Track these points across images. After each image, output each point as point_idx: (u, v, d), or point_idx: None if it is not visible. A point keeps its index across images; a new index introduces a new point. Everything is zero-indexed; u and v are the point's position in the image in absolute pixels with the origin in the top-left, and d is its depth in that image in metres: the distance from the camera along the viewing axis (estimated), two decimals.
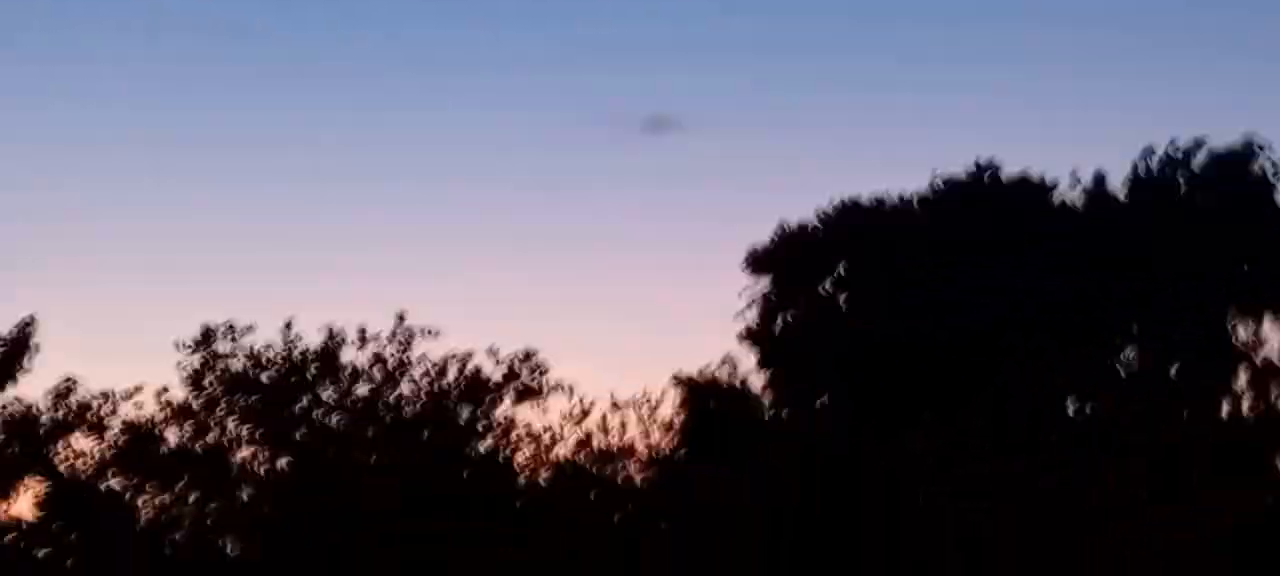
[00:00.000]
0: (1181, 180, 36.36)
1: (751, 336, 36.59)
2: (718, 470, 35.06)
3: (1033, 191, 36.70)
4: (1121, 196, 36.63)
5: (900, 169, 47.56)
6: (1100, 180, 36.65)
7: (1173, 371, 35.34)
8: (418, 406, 35.96)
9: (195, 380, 35.57)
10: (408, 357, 36.08)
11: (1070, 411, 35.46)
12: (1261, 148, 36.13)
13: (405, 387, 36.05)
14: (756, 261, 36.85)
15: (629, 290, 53.73)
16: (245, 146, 64.04)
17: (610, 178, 61.31)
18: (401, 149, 64.98)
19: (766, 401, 36.39)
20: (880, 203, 36.79)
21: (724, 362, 36.53)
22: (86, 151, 63.18)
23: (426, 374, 36.10)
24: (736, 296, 36.79)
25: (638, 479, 36.37)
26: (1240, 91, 58.97)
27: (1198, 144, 36.48)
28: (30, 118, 63.04)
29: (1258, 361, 35.39)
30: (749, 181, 58.29)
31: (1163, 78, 61.11)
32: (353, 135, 64.82)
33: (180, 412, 35.55)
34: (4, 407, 34.75)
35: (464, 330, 37.00)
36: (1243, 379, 35.38)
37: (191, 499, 35.28)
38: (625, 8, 66.90)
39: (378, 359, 36.01)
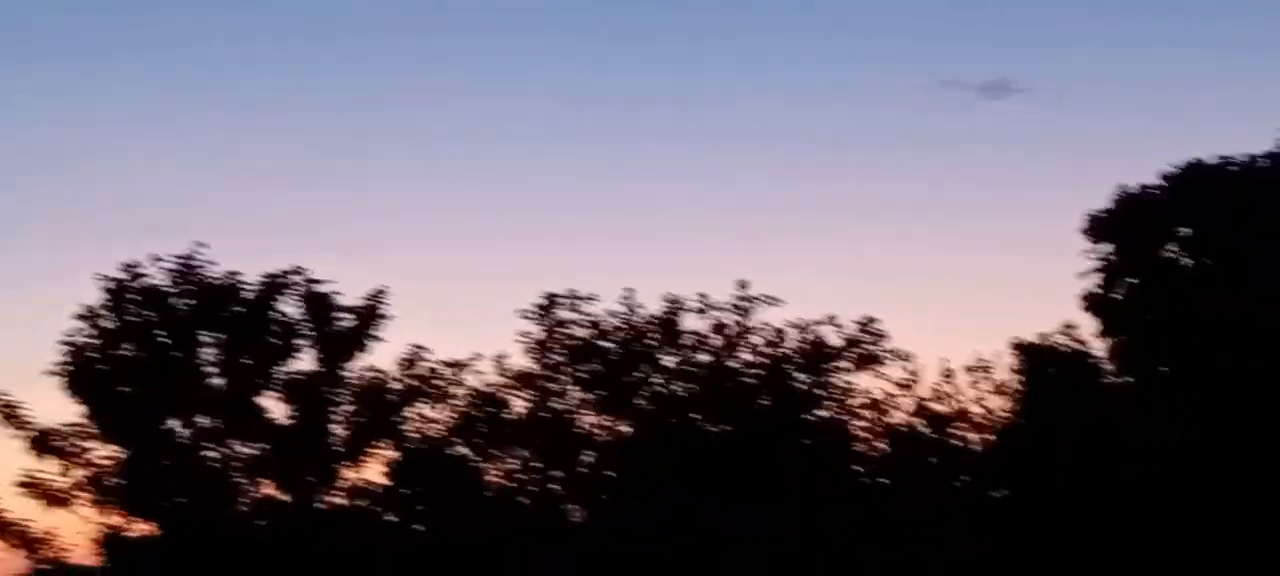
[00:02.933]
0: None
1: (1091, 304, 36.01)
2: (1057, 436, 34.82)
3: None
4: None
5: (1248, 129, 46.30)
6: None
7: None
8: (758, 373, 35.93)
9: (539, 348, 35.83)
10: (747, 325, 36.04)
11: None
12: None
13: (744, 355, 36.03)
14: (1096, 227, 36.13)
15: (965, 256, 53.35)
16: (584, 111, 64.27)
17: (948, 142, 60.65)
18: (738, 112, 64.65)
19: (1107, 369, 35.88)
20: (1227, 163, 35.85)
21: (1063, 329, 36.03)
22: (430, 119, 63.70)
23: (766, 341, 36.04)
24: (1075, 263, 36.17)
25: (976, 444, 36.18)
26: None
27: None
28: (376, 84, 63.79)
29: None
30: (1089, 146, 57.41)
31: None
32: (690, 99, 64.72)
33: (524, 380, 35.88)
34: (356, 376, 35.30)
35: (803, 297, 36.91)
36: None
37: (535, 465, 35.66)
38: None
39: (718, 326, 36.00)
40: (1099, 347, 36.03)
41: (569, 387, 35.95)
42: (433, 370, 35.73)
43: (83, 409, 34.53)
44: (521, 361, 36.08)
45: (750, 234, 55.26)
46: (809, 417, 36.01)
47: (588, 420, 35.95)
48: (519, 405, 35.99)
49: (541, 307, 35.97)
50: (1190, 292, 35.34)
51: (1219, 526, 33.05)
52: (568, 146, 64.43)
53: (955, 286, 49.71)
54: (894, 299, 43.07)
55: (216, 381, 34.77)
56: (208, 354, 34.82)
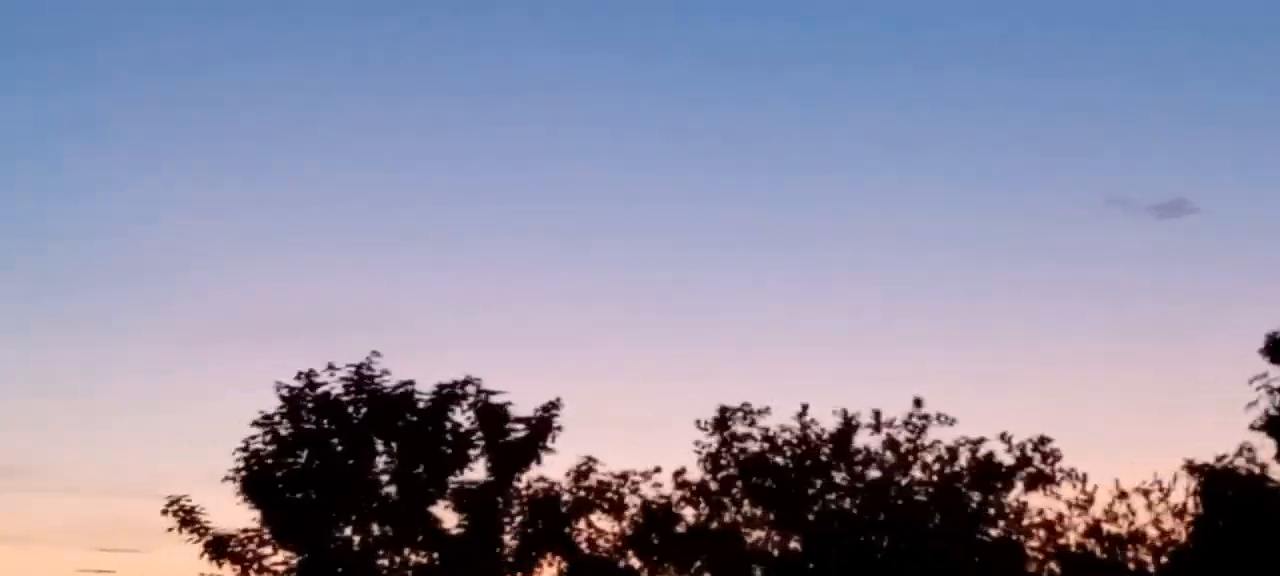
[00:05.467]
0: None
1: (1269, 426, 35.57)
2: (1235, 560, 34.37)
3: None
4: None
5: None
6: None
7: None
8: (929, 491, 35.73)
9: (712, 461, 35.80)
10: (921, 442, 35.87)
11: None
12: None
13: (917, 472, 35.87)
14: (1275, 348, 35.75)
15: (1140, 376, 53.04)
16: (753, 229, 64.62)
17: (1123, 261, 60.60)
18: (913, 229, 64.91)
19: None
20: None
21: (1241, 452, 35.60)
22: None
23: (939, 458, 35.85)
24: (1251, 383, 35.74)
25: (1151, 567, 35.76)
26: None
27: None
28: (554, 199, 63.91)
29: None
30: (1267, 264, 57.10)
31: None
32: (862, 214, 64.92)
33: (697, 492, 35.85)
34: (528, 486, 35.34)
35: (978, 415, 36.71)
36: None
37: None
38: (1136, 94, 65.47)
39: (891, 443, 35.86)
40: (1277, 471, 35.53)
41: (742, 502, 35.82)
42: (605, 481, 35.71)
43: (258, 514, 34.70)
44: (695, 473, 36.07)
45: (923, 351, 55.17)
46: (981, 537, 35.72)
47: (758, 534, 35.77)
48: (690, 517, 35.88)
49: (716, 420, 35.96)
50: None
51: None
52: (742, 260, 64.74)
53: (1130, 406, 49.41)
54: (1067, 418, 42.75)
55: (390, 490, 34.84)
56: (382, 462, 34.91)
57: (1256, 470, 35.56)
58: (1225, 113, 65.73)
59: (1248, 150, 64.23)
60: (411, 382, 35.16)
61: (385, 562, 34.76)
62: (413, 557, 34.87)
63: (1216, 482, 35.47)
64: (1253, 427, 35.67)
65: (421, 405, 35.05)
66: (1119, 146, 66.26)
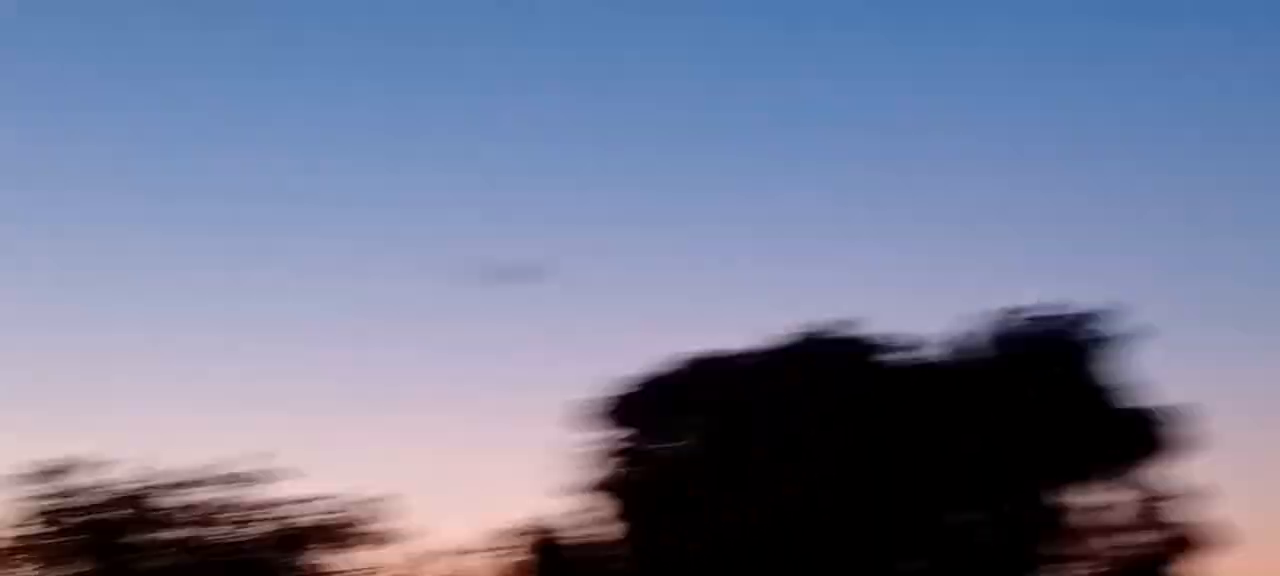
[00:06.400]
0: (1036, 342, 37.02)
1: (601, 486, 36.21)
2: None
3: (886, 349, 37.00)
4: (977, 355, 37.13)
5: (755, 322, 47.63)
6: (955, 340, 37.13)
7: (1013, 535, 36.15)
8: (242, 552, 34.86)
9: (31, 516, 34.25)
10: (241, 501, 35.02)
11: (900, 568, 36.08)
12: (1116, 312, 36.91)
13: (233, 531, 34.97)
14: (610, 410, 36.51)
15: (479, 436, 52.64)
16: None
17: (461, 319, 59.94)
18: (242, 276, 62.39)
19: (613, 553, 36.02)
20: (735, 356, 36.77)
21: (569, 513, 36.11)
22: None
23: (269, 516, 35.00)
24: (585, 447, 36.35)
25: None
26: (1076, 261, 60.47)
27: (1056, 306, 37.20)
28: None
29: (1089, 527, 36.33)
30: (610, 330, 57.57)
31: (1001, 243, 62.20)
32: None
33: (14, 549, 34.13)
34: None
35: (313, 474, 35.87)
36: (1073, 543, 36.28)
37: None
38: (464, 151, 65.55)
39: (198, 504, 34.90)
40: (605, 530, 36.09)
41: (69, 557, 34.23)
42: None
43: None
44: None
45: (254, 408, 53.38)
46: None
47: None
48: None
49: (37, 474, 34.38)
50: (695, 477, 35.90)
51: None
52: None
53: (466, 468, 49.19)
54: (404, 476, 41.81)
55: None
56: None
57: (586, 531, 36.06)
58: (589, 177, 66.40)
59: (596, 211, 64.86)
60: None
61: None
62: None
63: (544, 544, 35.90)
64: (583, 490, 36.25)
65: None
66: (469, 209, 65.74)
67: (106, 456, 35.17)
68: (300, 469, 35.58)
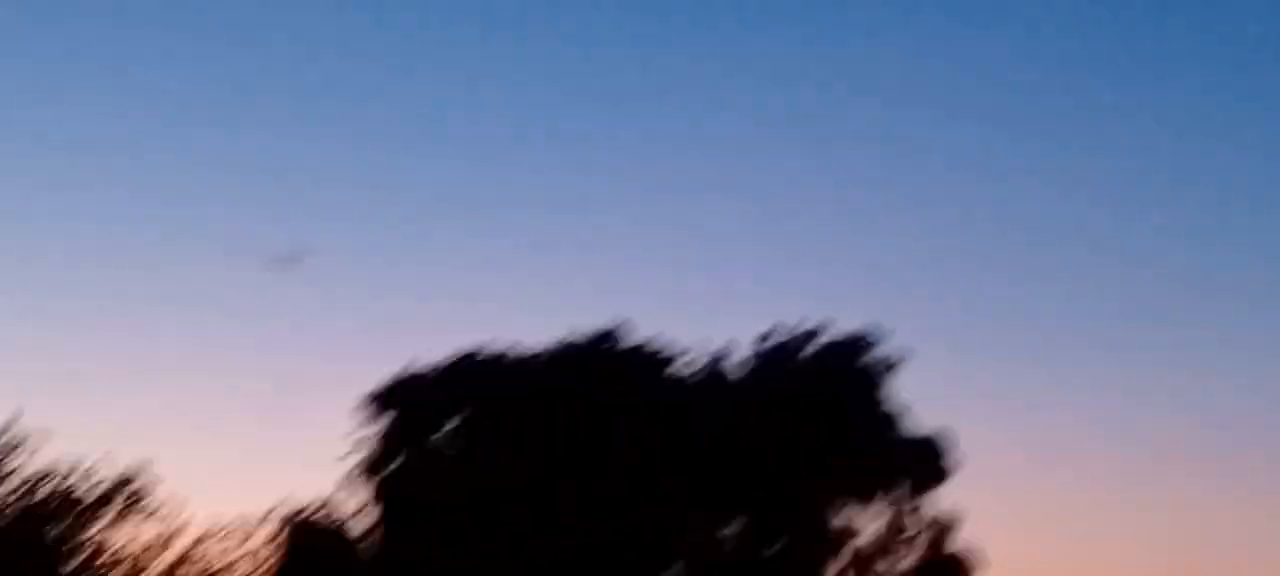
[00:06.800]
0: (799, 362, 37.21)
1: (362, 476, 36.40)
2: None
3: (654, 360, 37.20)
4: (740, 372, 37.33)
5: (537, 318, 47.94)
6: (720, 355, 37.32)
7: (772, 551, 36.23)
8: (7, 520, 34.90)
9: None
10: (7, 466, 35.04)
11: None
12: (880, 336, 37.22)
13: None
14: (375, 402, 36.74)
15: (244, 419, 52.77)
16: None
17: (237, 307, 60.04)
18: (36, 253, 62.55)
19: (369, 542, 36.19)
20: (501, 355, 36.95)
21: (327, 500, 36.30)
22: None
23: (21, 486, 35.07)
24: (349, 436, 36.60)
25: None
26: (868, 278, 61.27)
27: (821, 327, 37.44)
28: None
29: (854, 550, 36.39)
30: (381, 320, 57.93)
31: (796, 256, 62.89)
32: None
33: None
34: None
35: (70, 444, 35.97)
36: (838, 565, 36.33)
37: None
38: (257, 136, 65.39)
39: None
40: (362, 519, 36.26)
41: None
42: None
43: None
44: None
45: (23, 376, 53.25)
46: (60, 571, 35.05)
47: None
48: None
49: None
50: (456, 473, 36.06)
51: None
52: None
53: (233, 449, 49.22)
54: (171, 459, 41.81)
55: None
56: None
57: (339, 520, 36.23)
58: (341, 164, 66.81)
59: (367, 201, 65.28)
60: None
61: None
62: None
63: (298, 528, 36.01)
64: (344, 478, 36.47)
65: None
66: (239, 195, 65.75)
67: None
68: (54, 435, 35.69)
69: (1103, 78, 67.08)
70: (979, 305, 63.28)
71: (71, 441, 35.86)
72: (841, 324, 37.35)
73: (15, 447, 35.16)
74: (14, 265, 59.66)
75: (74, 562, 35.26)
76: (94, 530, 35.45)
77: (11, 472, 35.09)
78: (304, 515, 36.15)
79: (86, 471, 35.50)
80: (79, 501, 35.27)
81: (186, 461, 40.08)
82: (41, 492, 35.16)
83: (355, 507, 36.37)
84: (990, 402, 56.71)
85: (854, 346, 37.09)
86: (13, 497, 35.05)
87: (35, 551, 34.87)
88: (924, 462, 36.27)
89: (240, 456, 47.17)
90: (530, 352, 37.06)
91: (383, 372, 36.96)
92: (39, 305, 56.98)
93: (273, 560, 36.00)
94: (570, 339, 37.08)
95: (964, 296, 63.10)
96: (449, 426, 36.68)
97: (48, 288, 58.72)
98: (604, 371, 36.69)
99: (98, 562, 35.46)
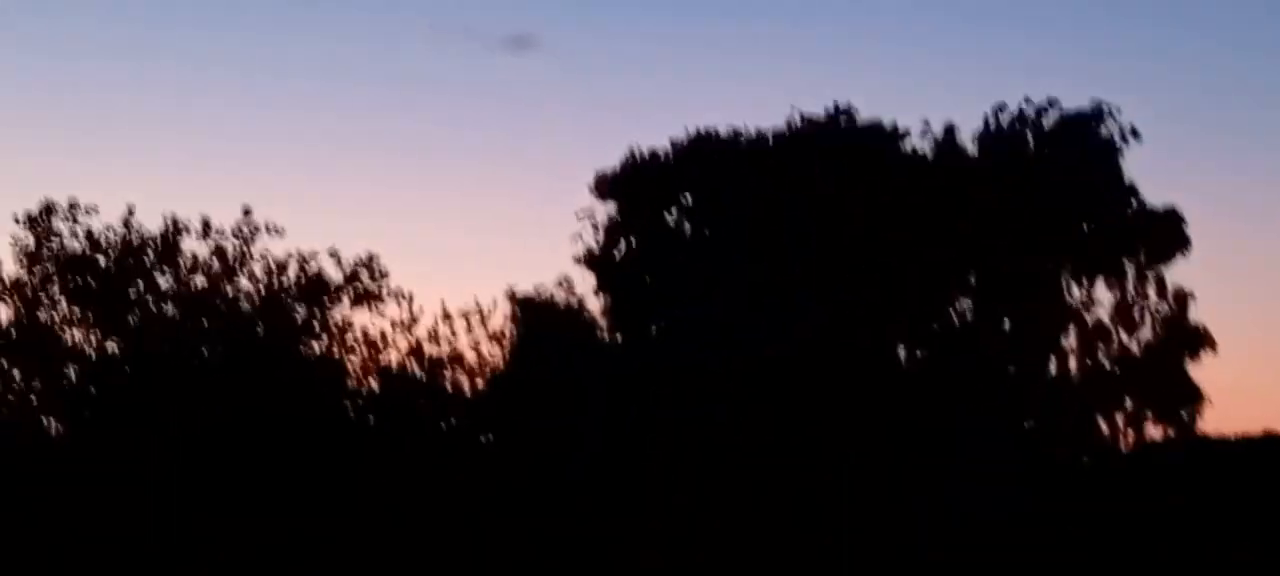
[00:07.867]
0: (1030, 138, 36.51)
1: (590, 260, 36.63)
2: (547, 388, 35.32)
3: (883, 137, 36.75)
4: (971, 150, 36.76)
5: (760, 102, 47.27)
6: (951, 132, 36.71)
7: (1006, 325, 35.83)
8: (255, 302, 35.89)
9: (30, 257, 35.35)
10: (249, 253, 36.03)
11: (901, 355, 35.98)
12: (1110, 112, 36.35)
13: (244, 282, 36.03)
14: (603, 186, 36.85)
15: (476, 204, 53.28)
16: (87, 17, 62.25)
17: (466, 90, 60.32)
18: (255, 39, 63.54)
19: (602, 325, 36.50)
20: (736, 136, 36.78)
21: (560, 283, 36.63)
22: None
23: (267, 270, 36.07)
24: (577, 219, 36.83)
25: (467, 389, 36.52)
26: (1094, 54, 59.22)
27: (1050, 103, 36.62)
28: None
29: (1088, 323, 35.84)
30: (607, 106, 57.78)
31: (1019, 34, 60.94)
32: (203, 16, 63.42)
33: (12, 288, 35.36)
34: None
35: (308, 229, 36.95)
36: (1072, 338, 35.83)
37: (16, 375, 35.14)
38: None
39: (218, 251, 35.91)
40: (593, 303, 36.60)
41: (60, 300, 35.46)
42: None
43: None
44: (10, 269, 35.60)
45: (255, 162, 54.14)
46: (304, 350, 36.02)
47: (76, 334, 35.47)
48: (4, 314, 35.43)
49: (34, 216, 35.46)
50: (685, 259, 36.10)
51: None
52: (66, 52, 62.36)
53: (460, 233, 49.56)
54: (398, 240, 42.23)
55: None
56: None
57: (574, 302, 36.56)
58: None
59: None
60: None
61: None
62: None
63: (532, 311, 36.42)
64: (575, 261, 36.74)
65: None
66: None
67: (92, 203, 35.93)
68: (288, 226, 36.64)
69: None
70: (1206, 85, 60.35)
71: (305, 231, 36.83)
72: (1067, 102, 36.51)
73: (252, 236, 36.11)
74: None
75: (318, 343, 36.18)
76: (335, 313, 36.34)
77: (255, 257, 36.09)
78: (536, 298, 36.48)
79: (326, 255, 36.41)
80: (321, 284, 36.10)
81: (417, 248, 40.70)
82: (286, 275, 36.10)
83: (585, 291, 36.68)
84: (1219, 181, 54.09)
85: (1087, 120, 36.30)
86: (258, 283, 36.05)
87: (280, 329, 35.84)
88: (1161, 234, 35.47)
89: (470, 240, 47.76)
90: (758, 134, 36.83)
91: (611, 156, 37.08)
92: (263, 95, 57.86)
93: (507, 343, 36.51)
94: (802, 117, 36.74)
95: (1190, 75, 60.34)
96: (677, 209, 36.70)
97: (274, 70, 59.21)
98: (834, 151, 36.34)
99: (340, 344, 36.34)
